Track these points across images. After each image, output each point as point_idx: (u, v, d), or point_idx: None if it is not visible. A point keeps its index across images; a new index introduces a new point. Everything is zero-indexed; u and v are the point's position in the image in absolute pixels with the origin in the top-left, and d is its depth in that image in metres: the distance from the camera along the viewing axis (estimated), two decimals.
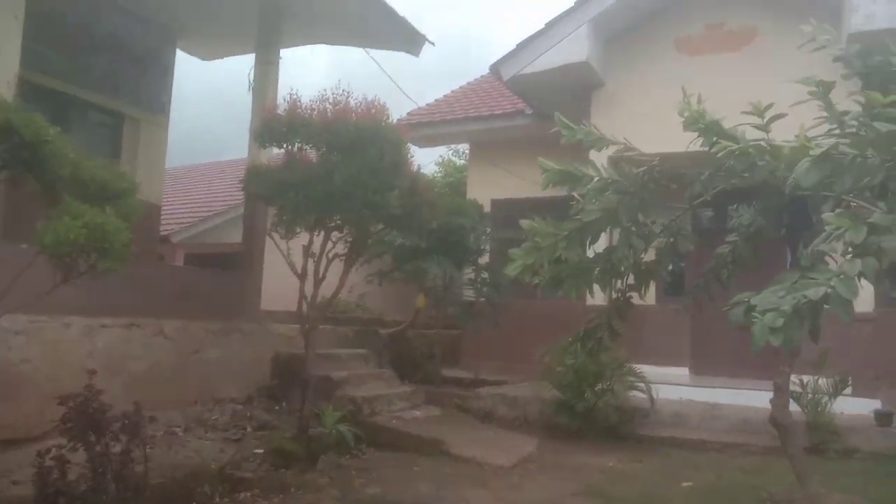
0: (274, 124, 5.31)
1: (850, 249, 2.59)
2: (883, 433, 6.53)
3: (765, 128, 3.64)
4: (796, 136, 2.98)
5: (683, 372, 9.47)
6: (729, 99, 4.25)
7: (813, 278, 2.38)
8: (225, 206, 14.95)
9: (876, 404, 7.04)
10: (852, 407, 6.94)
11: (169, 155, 8.72)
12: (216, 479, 4.92)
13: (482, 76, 13.51)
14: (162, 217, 14.87)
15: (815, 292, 2.25)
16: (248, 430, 6.23)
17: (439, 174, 19.20)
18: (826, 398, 6.66)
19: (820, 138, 2.41)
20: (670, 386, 7.92)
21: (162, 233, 13.76)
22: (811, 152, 1.93)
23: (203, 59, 9.43)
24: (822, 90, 3.33)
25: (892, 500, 4.82)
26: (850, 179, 1.83)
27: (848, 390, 6.85)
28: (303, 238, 5.83)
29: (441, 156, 20.30)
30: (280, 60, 7.86)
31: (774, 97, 3.79)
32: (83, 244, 2.90)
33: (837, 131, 3.00)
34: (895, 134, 1.61)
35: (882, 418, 6.68)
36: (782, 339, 2.18)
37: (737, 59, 8.77)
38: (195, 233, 14.66)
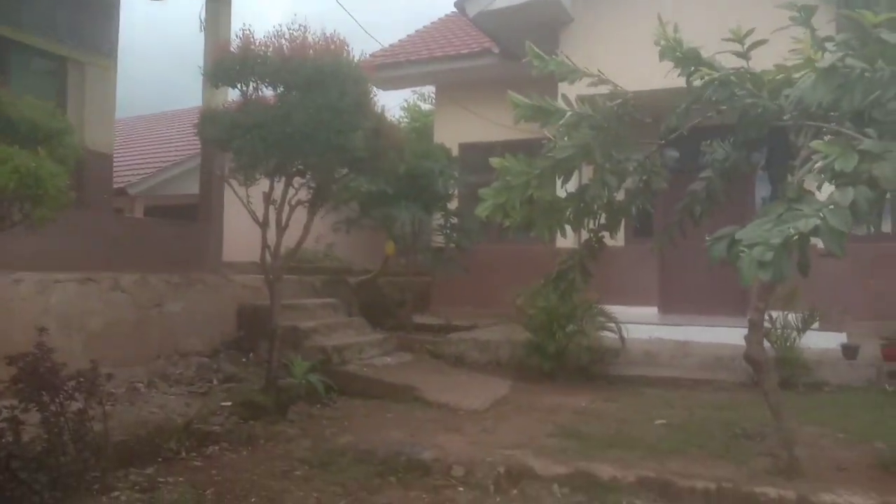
0: (226, 62, 4.98)
1: (832, 180, 2.48)
2: (850, 366, 6.62)
3: (745, 55, 3.47)
4: (776, 66, 2.81)
5: (653, 311, 9.53)
6: (707, 33, 4.07)
7: (800, 210, 2.26)
8: (185, 155, 14.42)
9: (842, 338, 7.14)
10: (820, 341, 7.03)
11: (126, 105, 8.27)
12: (182, 433, 4.79)
13: (448, 14, 13.05)
14: (119, 168, 14.42)
15: (804, 224, 2.13)
16: (215, 383, 6.09)
17: (405, 119, 18.80)
18: (794, 333, 6.72)
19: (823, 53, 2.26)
20: (640, 325, 7.93)
21: (119, 185, 13.31)
22: (817, 65, 1.77)
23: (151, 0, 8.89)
24: (805, 15, 3.15)
25: (862, 431, 4.88)
26: (860, 95, 1.68)
27: (815, 325, 6.92)
28: (264, 185, 5.58)
29: (406, 100, 19.85)
30: None
31: (754, 26, 3.62)
32: (14, 190, 2.64)
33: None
34: None
35: (849, 352, 6.77)
36: (771, 273, 2.07)
37: None
38: (154, 184, 14.15)
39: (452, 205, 9.87)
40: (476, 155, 10.68)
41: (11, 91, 3.37)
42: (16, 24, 7.11)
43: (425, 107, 18.85)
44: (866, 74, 1.67)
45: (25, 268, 5.17)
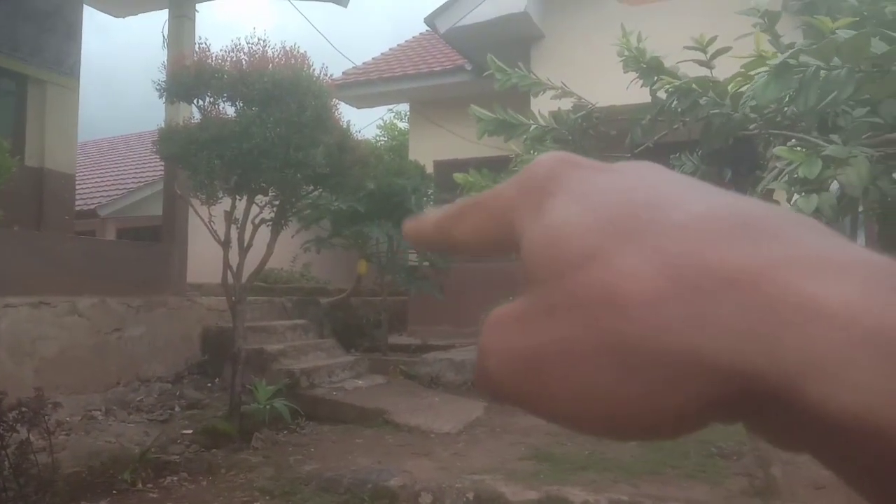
0: (181, 77, 4.83)
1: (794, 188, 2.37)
2: None
3: (709, 64, 3.37)
4: (742, 66, 2.72)
5: None
6: (672, 47, 4.00)
7: None
8: (157, 175, 14.17)
9: None
10: None
11: (101, 126, 8.09)
12: (138, 463, 4.58)
13: (423, 32, 13.02)
14: (92, 190, 14.18)
15: None
16: (177, 409, 5.87)
17: (382, 138, 18.72)
18: None
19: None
20: None
21: (89, 206, 13.05)
22: (769, 61, 1.66)
23: (115, 17, 8.74)
24: (769, 21, 3.06)
25: None
26: (815, 95, 1.57)
27: None
28: (228, 203, 5.41)
29: (383, 119, 19.80)
30: (196, 15, 7.29)
31: (719, 38, 3.56)
32: None
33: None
34: (863, 38, 1.35)
35: None
36: None
37: (677, 6, 8.56)
38: (125, 205, 13.88)
39: None
40: (451, 172, 10.38)
41: None
42: None
43: (401, 125, 18.80)
44: (822, 73, 1.56)
45: None
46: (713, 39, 3.35)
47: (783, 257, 0.19)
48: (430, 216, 0.30)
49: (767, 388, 0.18)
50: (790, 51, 1.52)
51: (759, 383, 0.18)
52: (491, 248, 0.28)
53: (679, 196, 0.22)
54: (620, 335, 0.20)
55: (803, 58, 1.51)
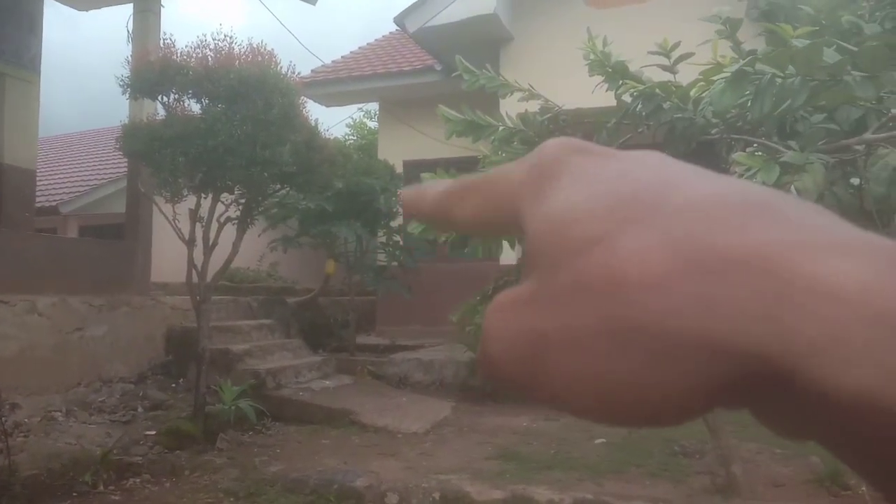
0: (145, 73, 4.74)
1: None
2: None
3: (672, 69, 3.43)
4: (701, 73, 2.77)
5: None
6: (638, 50, 4.06)
7: None
8: (121, 172, 13.90)
9: None
10: None
11: (66, 121, 7.89)
12: (100, 465, 4.49)
13: (392, 32, 12.99)
14: (54, 186, 13.86)
15: None
16: (140, 410, 5.77)
17: (352, 137, 18.63)
18: None
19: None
20: None
21: (50, 203, 12.76)
22: (725, 69, 1.70)
23: (79, 10, 8.55)
24: (730, 28, 3.13)
25: (798, 446, 4.88)
26: (770, 102, 1.61)
27: None
28: (193, 202, 5.34)
29: (352, 117, 19.71)
30: (162, 10, 7.17)
31: (683, 43, 3.62)
32: None
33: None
34: (816, 47, 1.39)
35: None
36: None
37: (644, 10, 8.67)
38: (88, 202, 13.59)
39: (396, 222, 9.71)
40: (420, 172, 10.53)
41: None
42: None
43: (371, 124, 18.73)
44: (777, 80, 1.60)
45: None
46: (676, 45, 3.41)
47: (793, 239, 0.19)
48: (430, 191, 0.29)
49: (778, 371, 0.18)
50: (747, 59, 1.55)
51: (769, 366, 0.18)
52: (490, 230, 0.28)
53: (685, 180, 0.22)
54: (626, 318, 0.20)
55: (759, 66, 1.55)
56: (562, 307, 0.21)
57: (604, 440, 5.23)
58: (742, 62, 1.59)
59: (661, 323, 0.19)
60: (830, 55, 1.51)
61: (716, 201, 0.20)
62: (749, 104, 1.84)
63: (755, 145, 2.96)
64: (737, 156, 2.40)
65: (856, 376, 0.17)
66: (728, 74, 1.63)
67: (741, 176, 2.42)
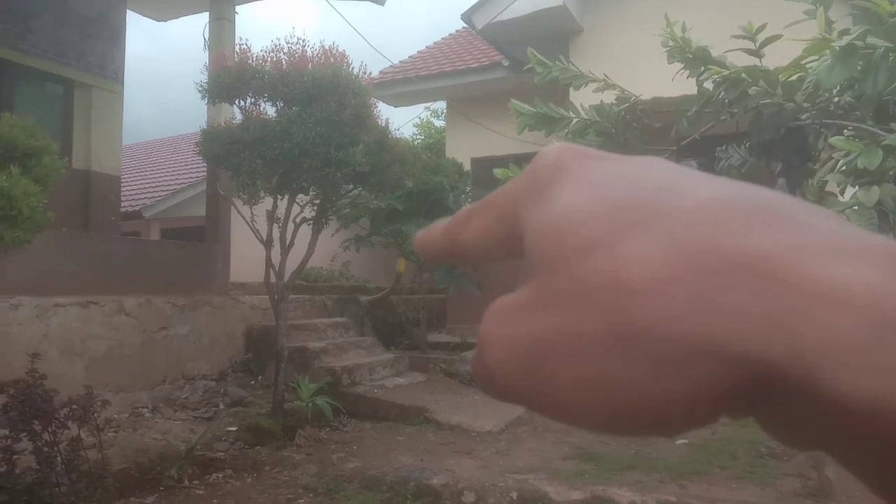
0: (222, 77, 4.87)
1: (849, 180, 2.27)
2: None
3: (758, 53, 3.26)
4: (805, 49, 2.63)
5: None
6: (715, 38, 3.90)
7: None
8: (201, 176, 14.43)
9: None
10: None
11: (147, 128, 8.27)
12: (185, 460, 4.64)
13: (460, 29, 12.99)
14: (137, 191, 14.50)
15: None
16: (221, 407, 5.94)
17: (419, 137, 18.75)
18: None
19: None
20: None
21: (134, 207, 13.34)
22: (833, 43, 1.58)
23: (157, 20, 8.90)
24: (823, 7, 2.94)
25: None
26: (884, 77, 1.49)
27: None
28: (270, 203, 5.46)
29: (420, 117, 19.84)
30: (236, 17, 7.38)
31: (769, 24, 3.45)
32: None
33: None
34: None
35: None
36: None
37: None
38: (169, 206, 14.16)
39: None
40: (488, 169, 10.45)
41: (17, 114, 3.25)
42: (21, 48, 7.12)
43: (438, 123, 18.80)
44: (891, 55, 1.48)
45: (24, 292, 5.08)
46: (762, 27, 3.24)
47: (799, 242, 0.18)
48: (439, 225, 0.29)
49: (784, 376, 0.17)
50: (856, 32, 1.44)
51: (774, 371, 0.17)
52: (496, 250, 0.27)
53: (688, 184, 0.21)
54: (628, 322, 0.19)
55: (870, 39, 1.44)
56: (562, 310, 0.20)
57: (685, 441, 5.06)
58: (851, 35, 1.47)
59: (664, 328, 0.18)
60: None
61: (720, 205, 0.20)
62: (849, 83, 1.71)
63: (850, 129, 2.78)
64: (834, 140, 2.26)
65: (863, 382, 0.16)
66: (836, 50, 1.52)
67: (840, 161, 2.27)
